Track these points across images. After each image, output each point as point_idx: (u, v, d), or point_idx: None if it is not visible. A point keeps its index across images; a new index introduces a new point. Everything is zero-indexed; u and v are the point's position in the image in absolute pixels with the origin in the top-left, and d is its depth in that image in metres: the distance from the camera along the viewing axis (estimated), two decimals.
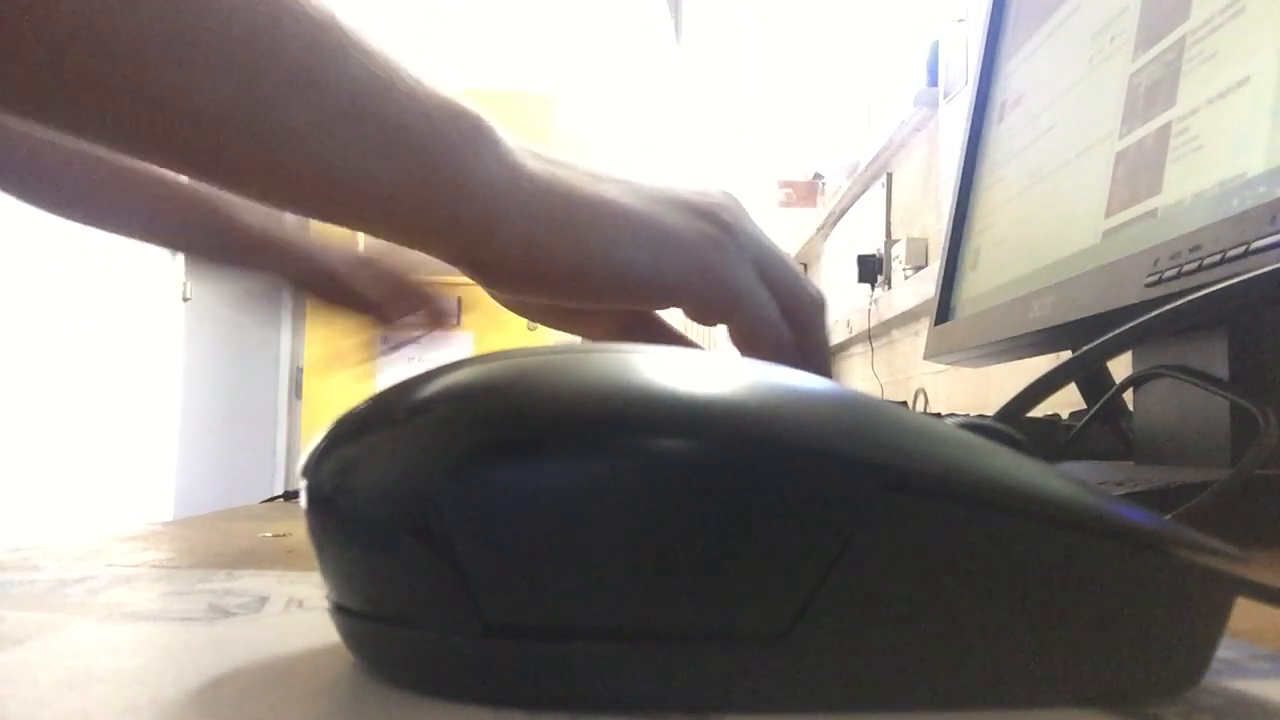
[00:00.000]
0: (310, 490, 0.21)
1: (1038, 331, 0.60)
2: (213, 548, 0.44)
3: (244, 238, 0.74)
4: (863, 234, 2.97)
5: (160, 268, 2.71)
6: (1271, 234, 0.39)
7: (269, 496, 0.83)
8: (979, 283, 0.77)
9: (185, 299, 2.89)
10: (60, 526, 2.28)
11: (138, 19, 0.22)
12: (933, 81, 2.11)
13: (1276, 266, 0.28)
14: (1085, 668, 0.19)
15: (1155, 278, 0.46)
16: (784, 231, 4.25)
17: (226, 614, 0.27)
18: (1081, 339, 0.58)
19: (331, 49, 0.25)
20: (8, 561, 0.37)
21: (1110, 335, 0.29)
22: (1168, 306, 0.29)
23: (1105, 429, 0.61)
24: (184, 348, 2.93)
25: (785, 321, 0.36)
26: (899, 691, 0.18)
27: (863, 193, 2.99)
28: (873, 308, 2.57)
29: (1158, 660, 0.19)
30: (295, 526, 0.54)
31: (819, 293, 0.38)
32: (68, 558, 0.39)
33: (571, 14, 4.47)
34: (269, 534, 0.50)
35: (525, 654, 0.18)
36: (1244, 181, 0.44)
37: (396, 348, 0.85)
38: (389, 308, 0.76)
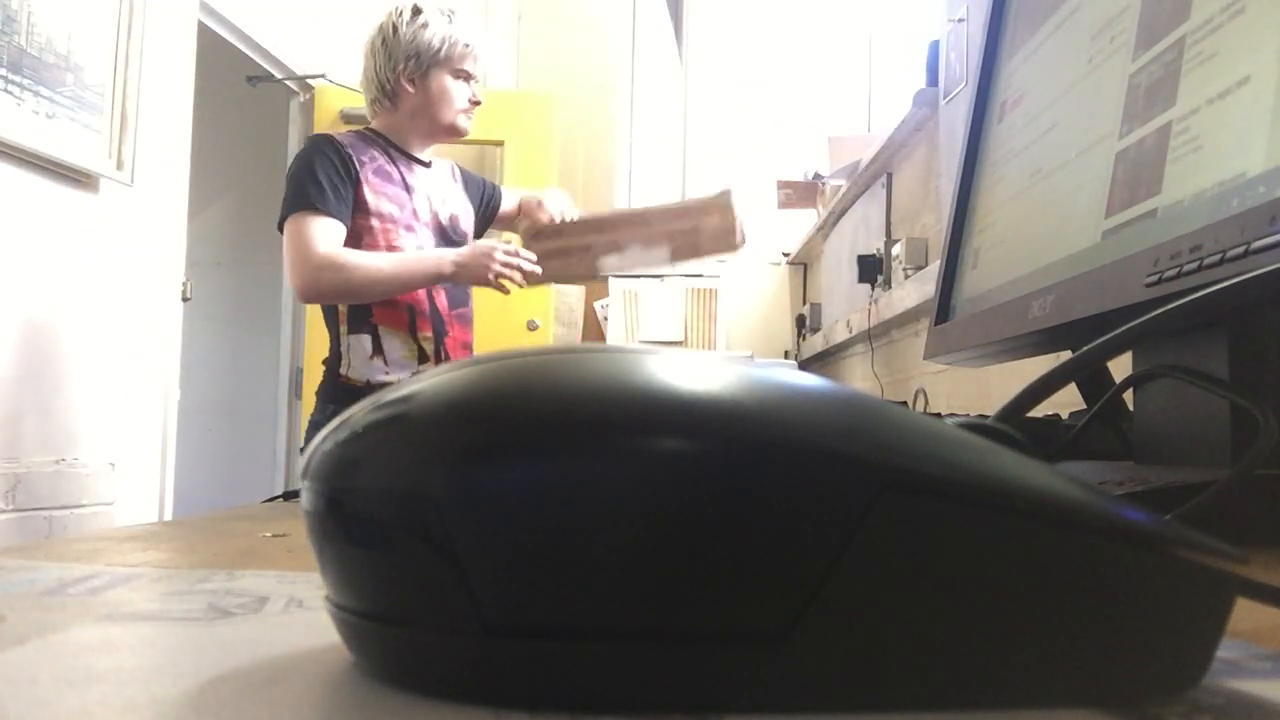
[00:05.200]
0: (310, 490, 0.21)
1: (1038, 331, 0.60)
2: (213, 548, 0.44)
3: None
4: (863, 234, 2.96)
5: (160, 268, 2.71)
6: (1271, 234, 0.39)
7: (269, 496, 0.83)
8: (979, 283, 0.77)
9: (185, 299, 2.89)
10: (60, 526, 2.28)
11: (390, 286, 1.73)
12: (933, 81, 2.10)
13: (1276, 266, 0.28)
14: (1085, 668, 0.19)
15: (1155, 278, 0.46)
16: (784, 231, 4.25)
17: (226, 614, 0.27)
18: (1081, 339, 0.58)
19: (425, 272, 1.74)
20: (8, 562, 0.37)
21: (1110, 335, 0.29)
22: (1168, 306, 0.29)
23: (1105, 429, 0.61)
24: (184, 348, 2.93)
25: None
26: (899, 691, 0.18)
27: (863, 193, 2.98)
28: (873, 308, 2.56)
29: (1158, 660, 0.19)
30: (295, 526, 0.54)
31: None
32: (68, 558, 0.39)
33: (573, 13, 4.47)
34: (269, 534, 0.50)
35: (525, 654, 0.18)
36: (1244, 181, 0.44)
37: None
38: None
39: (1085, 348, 0.30)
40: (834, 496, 0.18)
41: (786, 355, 4.28)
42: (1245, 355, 0.47)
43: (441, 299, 1.83)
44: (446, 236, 1.87)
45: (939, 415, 0.74)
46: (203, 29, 2.93)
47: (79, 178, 2.34)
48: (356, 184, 1.76)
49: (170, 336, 2.81)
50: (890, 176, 2.67)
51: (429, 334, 1.79)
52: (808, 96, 4.33)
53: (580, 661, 0.18)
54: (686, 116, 4.50)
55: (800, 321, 4.14)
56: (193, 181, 2.90)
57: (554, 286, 3.99)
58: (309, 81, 3.62)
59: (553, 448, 0.18)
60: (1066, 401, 0.65)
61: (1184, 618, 0.19)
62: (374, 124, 1.87)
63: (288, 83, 3.59)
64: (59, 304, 2.31)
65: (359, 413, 0.21)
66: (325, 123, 3.64)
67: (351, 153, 1.77)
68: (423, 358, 1.79)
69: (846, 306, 3.11)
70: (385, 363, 1.77)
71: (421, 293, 1.79)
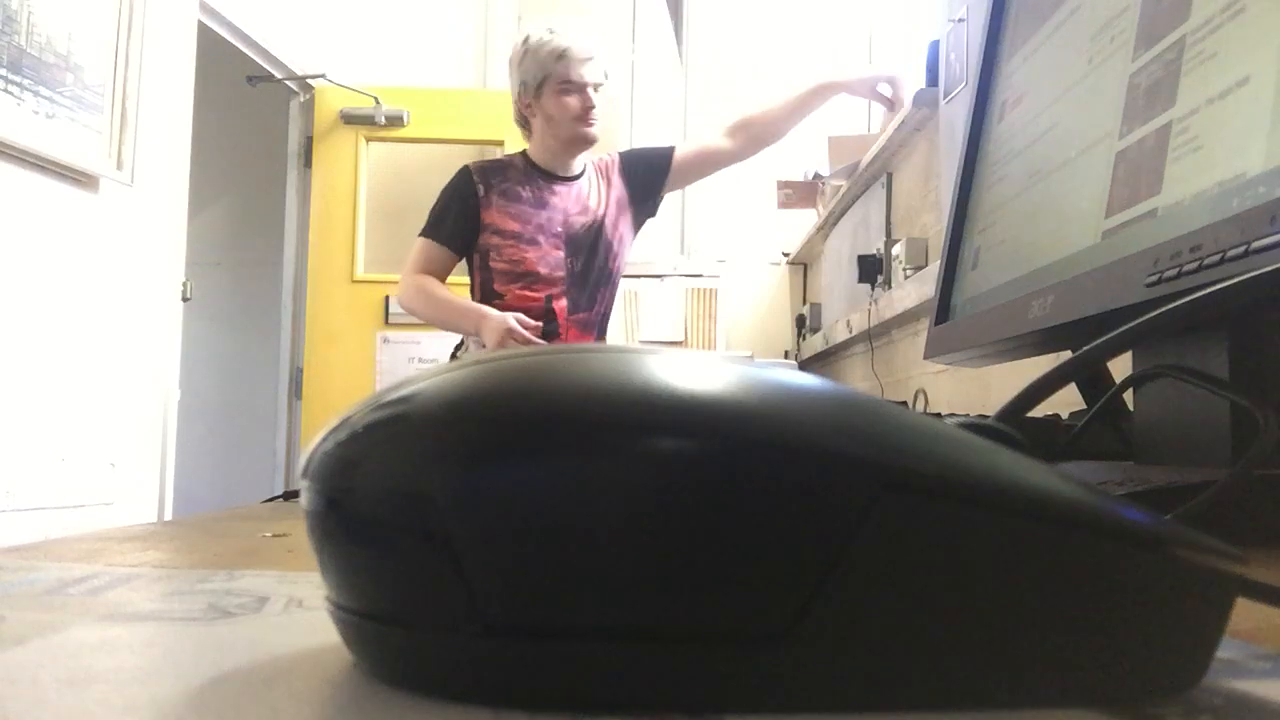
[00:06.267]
0: (310, 490, 0.21)
1: (1038, 331, 0.60)
2: (213, 548, 0.44)
3: None
4: (863, 234, 2.96)
5: (160, 268, 2.71)
6: (1271, 234, 0.39)
7: (269, 496, 0.83)
8: (979, 283, 0.77)
9: (185, 299, 2.89)
10: (60, 526, 2.28)
11: (435, 321, 2.07)
12: (933, 81, 2.10)
13: (1276, 266, 0.28)
14: (1085, 667, 0.19)
15: (1155, 278, 0.46)
16: (784, 231, 4.25)
17: (226, 614, 0.27)
18: (1081, 339, 0.58)
19: (467, 317, 1.97)
20: (8, 562, 0.37)
21: (1110, 335, 0.29)
22: (1168, 306, 0.29)
23: (1105, 429, 0.61)
24: (184, 348, 2.93)
25: None
26: (899, 691, 0.18)
27: (863, 193, 2.98)
28: (873, 308, 2.56)
29: (1158, 660, 0.19)
30: (295, 526, 0.54)
31: None
32: (68, 558, 0.39)
33: (573, 13, 4.47)
34: (269, 534, 0.50)
35: (525, 654, 0.18)
36: (1244, 181, 0.44)
37: None
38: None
39: (1085, 348, 0.30)
40: (834, 496, 0.18)
41: (786, 355, 4.27)
42: (1245, 355, 0.47)
43: (560, 304, 2.03)
44: (580, 244, 2.06)
45: (939, 415, 0.74)
46: (203, 29, 2.93)
47: (79, 178, 2.34)
48: (480, 209, 2.02)
49: (170, 336, 2.81)
50: (890, 176, 2.67)
51: (540, 336, 1.99)
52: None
53: (580, 661, 0.18)
54: (686, 116, 4.49)
55: (800, 321, 4.14)
56: (193, 181, 2.90)
57: None
58: (309, 81, 3.62)
59: (552, 447, 0.18)
60: (1066, 401, 0.65)
61: (1184, 618, 0.19)
62: (526, 147, 2.12)
63: (288, 83, 3.59)
64: (59, 304, 2.31)
65: (359, 413, 0.21)
66: (325, 123, 3.64)
67: (479, 179, 2.04)
68: None
69: (846, 306, 3.11)
70: None
71: (539, 296, 2.01)
